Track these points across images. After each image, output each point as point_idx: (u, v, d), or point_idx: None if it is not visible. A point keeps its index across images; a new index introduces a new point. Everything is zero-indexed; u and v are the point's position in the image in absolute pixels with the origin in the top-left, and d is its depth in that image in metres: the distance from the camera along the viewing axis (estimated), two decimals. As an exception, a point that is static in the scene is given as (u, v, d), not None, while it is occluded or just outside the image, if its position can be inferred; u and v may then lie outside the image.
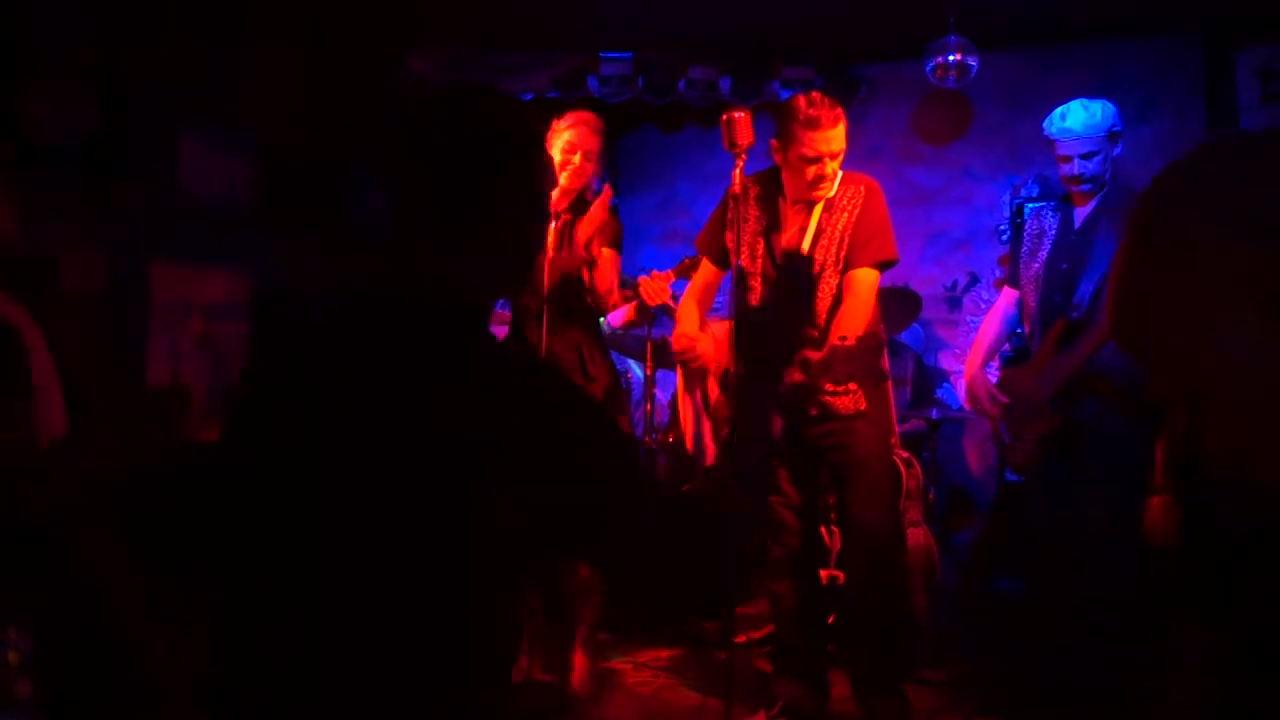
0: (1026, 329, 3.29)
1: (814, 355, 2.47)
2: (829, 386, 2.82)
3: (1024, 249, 3.27)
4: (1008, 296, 3.36)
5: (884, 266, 2.86)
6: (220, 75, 4.39)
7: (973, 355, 3.35)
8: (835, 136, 2.77)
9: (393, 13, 4.82)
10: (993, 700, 3.27)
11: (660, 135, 6.06)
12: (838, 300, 2.84)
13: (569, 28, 5.06)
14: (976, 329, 3.67)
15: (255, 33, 4.55)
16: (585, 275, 3.06)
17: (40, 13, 3.72)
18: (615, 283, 3.21)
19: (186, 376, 4.20)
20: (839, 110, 2.79)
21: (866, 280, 2.81)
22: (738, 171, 2.66)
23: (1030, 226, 3.28)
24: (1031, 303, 3.19)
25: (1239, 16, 4.71)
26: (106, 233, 3.82)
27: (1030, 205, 3.45)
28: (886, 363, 2.41)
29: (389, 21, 4.93)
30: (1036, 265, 3.19)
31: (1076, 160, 3.06)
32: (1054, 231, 3.19)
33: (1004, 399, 3.17)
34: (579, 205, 3.23)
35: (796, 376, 2.52)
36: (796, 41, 5.23)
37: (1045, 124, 3.16)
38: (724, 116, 2.62)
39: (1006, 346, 3.61)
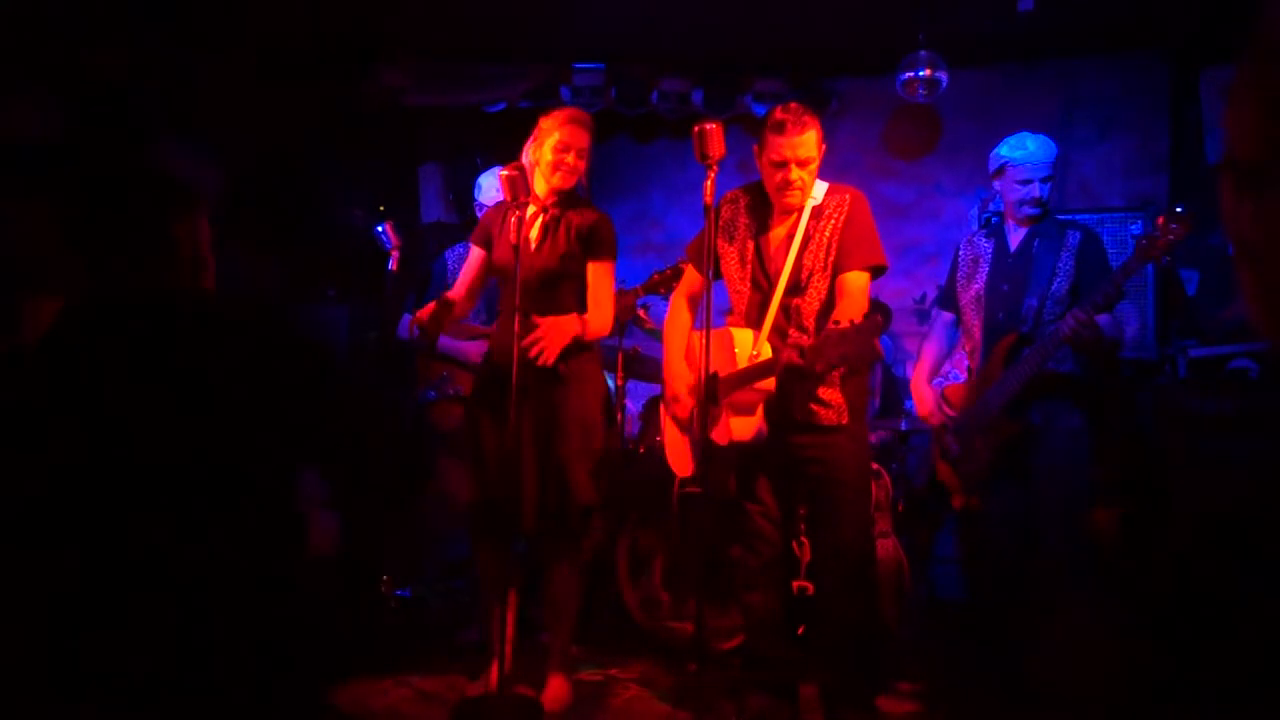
0: (968, 347, 3.45)
1: (808, 341, 2.49)
2: (821, 394, 2.85)
3: (960, 274, 3.46)
4: (944, 319, 3.56)
5: (875, 271, 2.89)
6: (190, 83, 4.36)
7: (917, 373, 3.54)
8: (802, 143, 2.80)
9: (366, 22, 4.80)
10: (963, 710, 3.29)
11: (633, 146, 6.07)
12: (826, 304, 2.88)
13: (542, 39, 5.07)
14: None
15: (226, 42, 4.52)
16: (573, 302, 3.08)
17: (5, 20, 3.67)
18: (606, 302, 3.16)
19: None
20: (810, 119, 2.82)
21: (858, 282, 2.85)
22: (709, 183, 2.66)
23: (965, 253, 3.48)
24: (974, 322, 3.37)
25: (1204, 35, 4.79)
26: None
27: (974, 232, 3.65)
28: (880, 348, 2.44)
29: (363, 31, 4.92)
30: (976, 287, 3.37)
31: (1037, 184, 3.26)
32: (990, 255, 3.39)
33: (951, 411, 3.34)
34: (567, 201, 3.20)
35: (793, 358, 2.53)
36: (768, 55, 5.27)
37: (1004, 151, 3.32)
38: (696, 128, 2.63)
39: (958, 371, 3.73)
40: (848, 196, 2.92)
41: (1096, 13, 4.64)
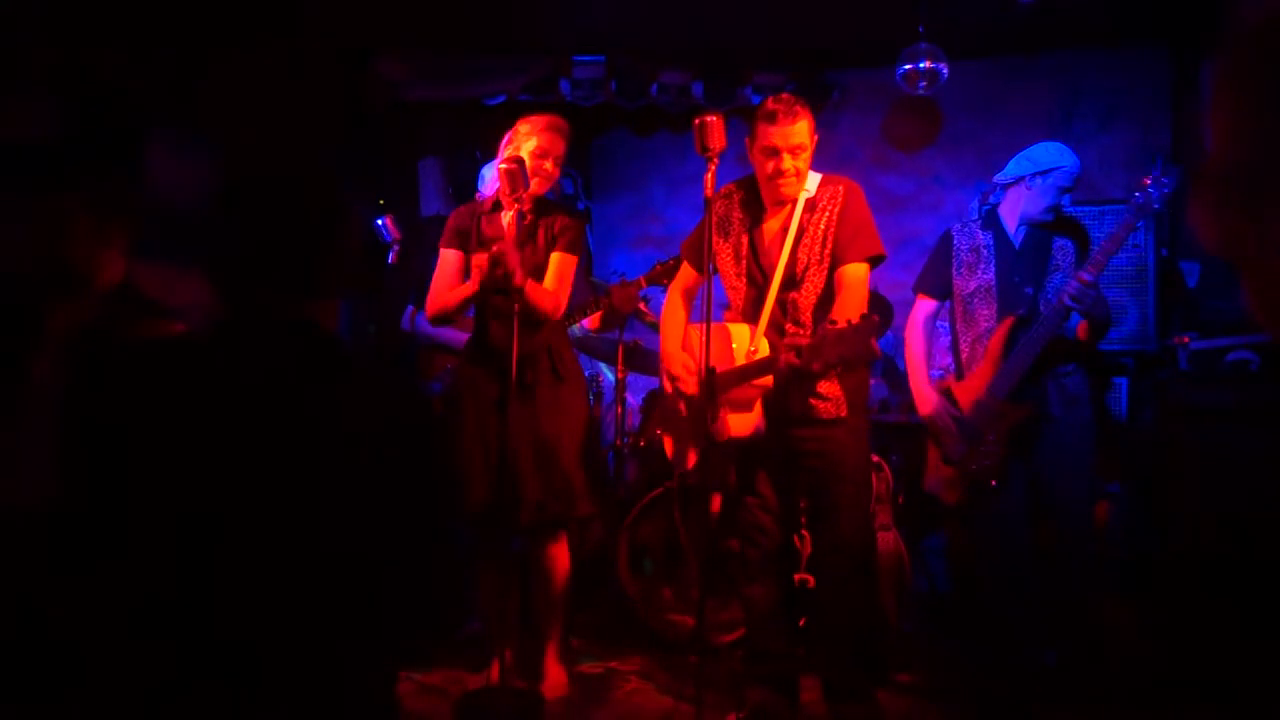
0: (970, 336, 3.37)
1: (805, 340, 2.48)
2: (820, 388, 2.85)
3: (958, 262, 3.41)
4: (927, 308, 3.49)
5: (874, 262, 2.88)
6: (187, 79, 4.35)
7: (916, 372, 3.44)
8: (793, 132, 2.79)
9: (365, 16, 4.79)
10: (962, 703, 3.29)
11: (633, 139, 6.06)
12: (822, 297, 2.87)
13: (542, 31, 5.05)
14: (945, 334, 3.76)
15: (223, 36, 4.50)
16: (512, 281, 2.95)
17: (3, 19, 3.66)
18: (560, 289, 3.15)
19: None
20: (800, 109, 2.82)
21: (857, 274, 2.84)
22: (710, 175, 2.66)
23: (962, 242, 3.43)
24: (983, 312, 3.32)
25: (1205, 26, 4.77)
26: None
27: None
28: (877, 346, 2.41)
29: (361, 25, 4.90)
30: (985, 278, 3.34)
31: (1069, 194, 3.29)
32: (992, 246, 3.36)
33: (956, 411, 3.28)
34: (542, 206, 3.22)
35: (791, 360, 2.52)
36: (769, 47, 5.25)
37: (1055, 157, 3.30)
38: (696, 121, 2.63)
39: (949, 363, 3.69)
40: (842, 188, 2.91)
41: (1097, 4, 4.63)
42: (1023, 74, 5.34)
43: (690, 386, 2.94)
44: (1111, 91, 5.18)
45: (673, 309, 3.14)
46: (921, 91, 4.92)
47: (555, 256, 3.16)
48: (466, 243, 3.24)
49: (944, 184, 5.60)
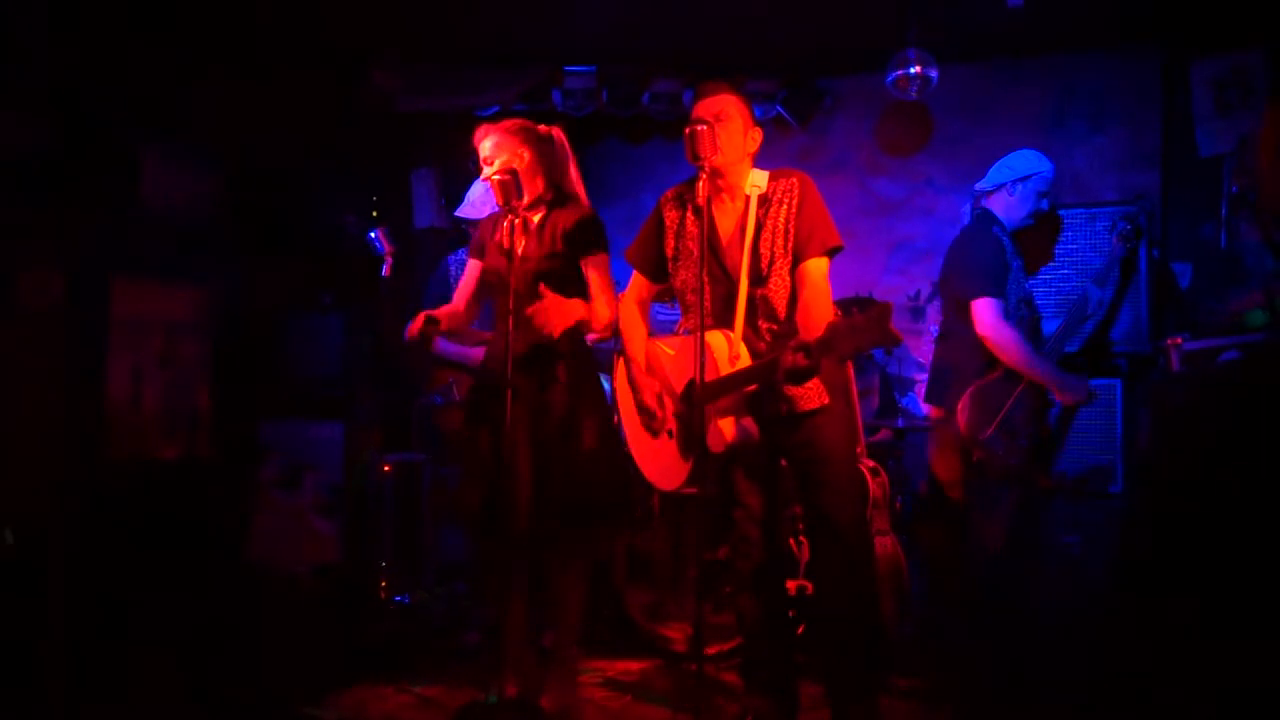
0: None
1: (810, 339, 2.44)
2: (794, 390, 2.82)
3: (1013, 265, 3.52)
4: (999, 307, 3.52)
5: (833, 253, 2.86)
6: (181, 90, 4.36)
7: (1037, 364, 3.44)
8: (715, 102, 2.85)
9: (357, 27, 4.80)
10: (963, 707, 3.29)
11: (625, 148, 6.07)
12: (793, 292, 2.84)
13: (533, 41, 5.07)
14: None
15: (218, 47, 4.52)
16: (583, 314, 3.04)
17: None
18: (608, 296, 3.13)
19: (148, 394, 4.15)
20: (726, 90, 2.89)
21: (820, 270, 2.82)
22: (701, 184, 2.66)
23: (1007, 245, 3.51)
24: (1021, 313, 3.51)
25: (1193, 29, 4.80)
26: (65, 250, 3.77)
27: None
28: (897, 331, 2.38)
29: (353, 36, 4.91)
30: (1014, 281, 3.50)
31: (1047, 199, 3.45)
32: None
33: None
34: (555, 202, 3.21)
35: (798, 360, 2.47)
36: (760, 55, 5.27)
37: (1033, 163, 3.44)
38: (687, 129, 2.63)
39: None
40: (795, 180, 2.88)
41: (1086, 6, 4.65)
42: (1013, 77, 5.36)
43: (662, 419, 2.94)
44: (1102, 93, 5.20)
45: (631, 325, 3.07)
46: (912, 96, 4.94)
47: (586, 264, 3.13)
48: (483, 253, 3.26)
49: (936, 188, 5.61)
